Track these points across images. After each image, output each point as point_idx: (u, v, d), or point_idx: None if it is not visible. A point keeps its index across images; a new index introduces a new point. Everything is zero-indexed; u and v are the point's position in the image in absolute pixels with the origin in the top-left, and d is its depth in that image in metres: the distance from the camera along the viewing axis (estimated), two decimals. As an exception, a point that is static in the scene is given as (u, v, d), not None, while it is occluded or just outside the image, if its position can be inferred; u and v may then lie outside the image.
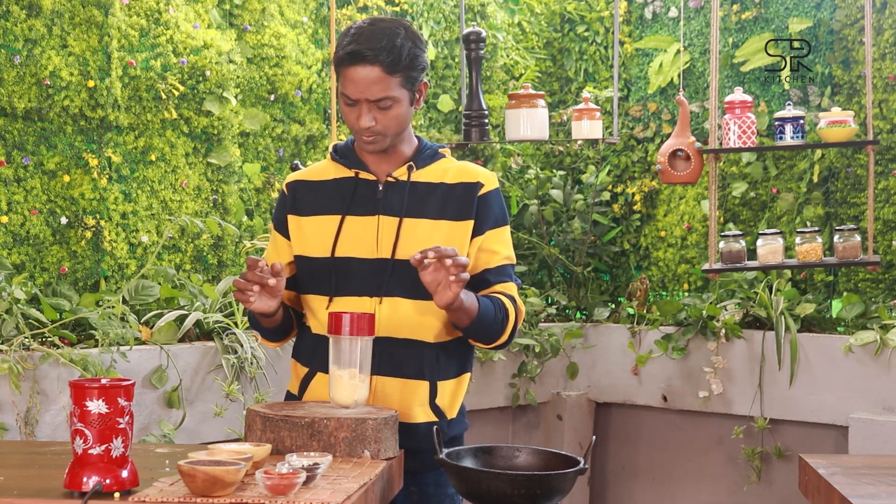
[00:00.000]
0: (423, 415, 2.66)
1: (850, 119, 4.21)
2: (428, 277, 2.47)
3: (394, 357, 2.62)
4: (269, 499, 2.03)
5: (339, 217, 2.68)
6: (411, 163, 2.69)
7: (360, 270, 2.65)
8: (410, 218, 2.65)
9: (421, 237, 2.63)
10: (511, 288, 2.71)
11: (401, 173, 2.68)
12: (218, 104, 4.31)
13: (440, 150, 2.75)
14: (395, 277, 2.63)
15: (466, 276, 2.47)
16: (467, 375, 2.77)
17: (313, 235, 2.69)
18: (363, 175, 2.70)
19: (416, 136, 2.76)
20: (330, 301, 2.66)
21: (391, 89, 2.58)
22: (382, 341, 2.61)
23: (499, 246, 2.71)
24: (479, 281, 2.68)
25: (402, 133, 2.67)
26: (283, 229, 2.75)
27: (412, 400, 2.65)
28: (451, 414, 2.72)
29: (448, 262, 2.44)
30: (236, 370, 3.88)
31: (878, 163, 4.60)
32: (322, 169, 2.76)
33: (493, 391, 4.83)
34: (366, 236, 2.65)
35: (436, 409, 2.67)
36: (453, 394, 2.72)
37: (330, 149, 2.78)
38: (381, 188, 2.68)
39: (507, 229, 2.74)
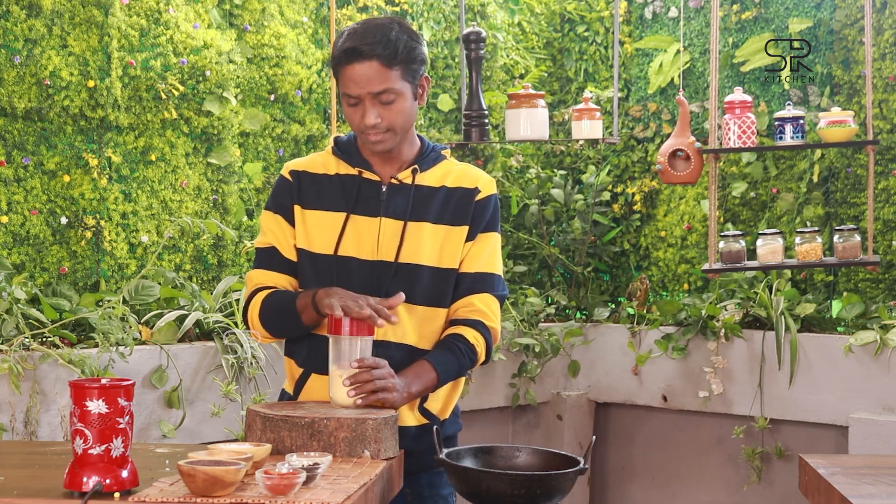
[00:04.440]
0: (412, 418, 2.66)
1: (850, 119, 4.21)
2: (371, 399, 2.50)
3: (389, 360, 2.59)
4: (269, 499, 2.03)
5: (343, 214, 2.66)
6: (415, 166, 2.68)
7: (360, 271, 2.64)
8: (413, 221, 2.65)
9: (423, 240, 2.64)
10: (485, 300, 2.68)
11: (405, 176, 2.67)
12: (218, 104, 4.31)
13: (442, 151, 2.74)
14: (397, 281, 2.63)
15: (388, 383, 2.50)
16: (461, 380, 2.76)
17: (317, 231, 2.66)
18: (367, 175, 2.68)
19: (419, 136, 2.75)
20: None
21: (392, 82, 2.57)
22: (378, 344, 2.60)
23: (482, 252, 2.70)
24: (457, 284, 2.68)
25: (408, 130, 2.65)
26: (289, 216, 2.69)
27: None
28: (444, 416, 2.72)
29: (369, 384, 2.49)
30: (236, 370, 3.88)
31: (878, 163, 4.60)
32: (323, 162, 2.72)
33: (493, 391, 4.83)
34: (367, 237, 2.64)
35: (425, 412, 2.68)
36: (446, 398, 2.72)
37: (331, 142, 2.75)
38: (384, 190, 2.67)
39: (494, 236, 2.72)
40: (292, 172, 2.72)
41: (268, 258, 2.70)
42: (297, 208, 2.69)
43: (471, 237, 2.68)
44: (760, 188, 4.95)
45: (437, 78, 5.07)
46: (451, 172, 2.71)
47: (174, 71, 4.22)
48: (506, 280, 3.37)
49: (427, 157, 2.70)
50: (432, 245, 2.64)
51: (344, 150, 2.72)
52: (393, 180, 2.67)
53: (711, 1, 4.31)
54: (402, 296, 2.56)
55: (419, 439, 2.62)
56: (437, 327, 2.68)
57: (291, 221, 2.69)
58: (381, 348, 2.60)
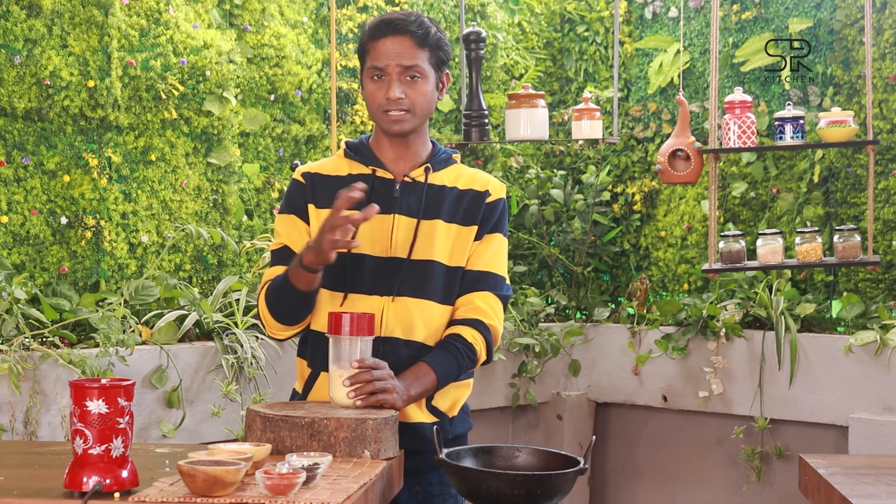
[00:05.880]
0: (421, 415, 2.67)
1: (850, 119, 4.21)
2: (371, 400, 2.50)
3: (397, 357, 2.63)
4: (269, 499, 2.03)
5: (356, 213, 2.68)
6: (428, 165, 2.72)
7: (373, 268, 2.66)
8: (426, 220, 2.68)
9: (436, 238, 2.67)
10: (486, 298, 2.70)
11: (418, 174, 2.71)
12: (218, 104, 4.31)
13: (453, 155, 2.79)
14: (409, 277, 2.65)
15: (388, 384, 2.50)
16: (470, 381, 2.78)
17: None
18: (380, 173, 2.71)
19: (431, 140, 2.79)
20: (345, 298, 2.67)
21: (420, 60, 2.64)
22: (386, 341, 2.62)
23: (486, 251, 2.72)
24: (461, 279, 2.70)
25: (426, 117, 2.70)
26: (304, 216, 2.71)
27: None
28: (453, 413, 2.73)
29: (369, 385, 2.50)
30: (236, 370, 3.88)
31: (878, 163, 4.60)
32: (335, 164, 2.76)
33: (493, 391, 4.83)
34: (381, 234, 2.67)
35: (433, 409, 2.68)
36: (454, 397, 2.73)
37: (342, 145, 2.78)
38: (398, 187, 2.70)
39: (500, 238, 2.75)
40: (304, 174, 2.75)
41: (279, 257, 2.73)
42: (311, 207, 2.72)
43: (478, 237, 2.72)
44: (760, 188, 4.95)
45: (437, 78, 5.07)
46: (462, 175, 2.76)
47: (174, 71, 4.22)
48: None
49: (439, 159, 2.75)
50: (444, 243, 2.68)
51: (356, 150, 2.76)
52: (406, 178, 2.71)
53: (711, 1, 4.31)
54: (376, 207, 2.50)
55: (430, 437, 2.62)
56: (443, 324, 2.70)
57: (306, 220, 2.72)
58: (389, 345, 2.63)
